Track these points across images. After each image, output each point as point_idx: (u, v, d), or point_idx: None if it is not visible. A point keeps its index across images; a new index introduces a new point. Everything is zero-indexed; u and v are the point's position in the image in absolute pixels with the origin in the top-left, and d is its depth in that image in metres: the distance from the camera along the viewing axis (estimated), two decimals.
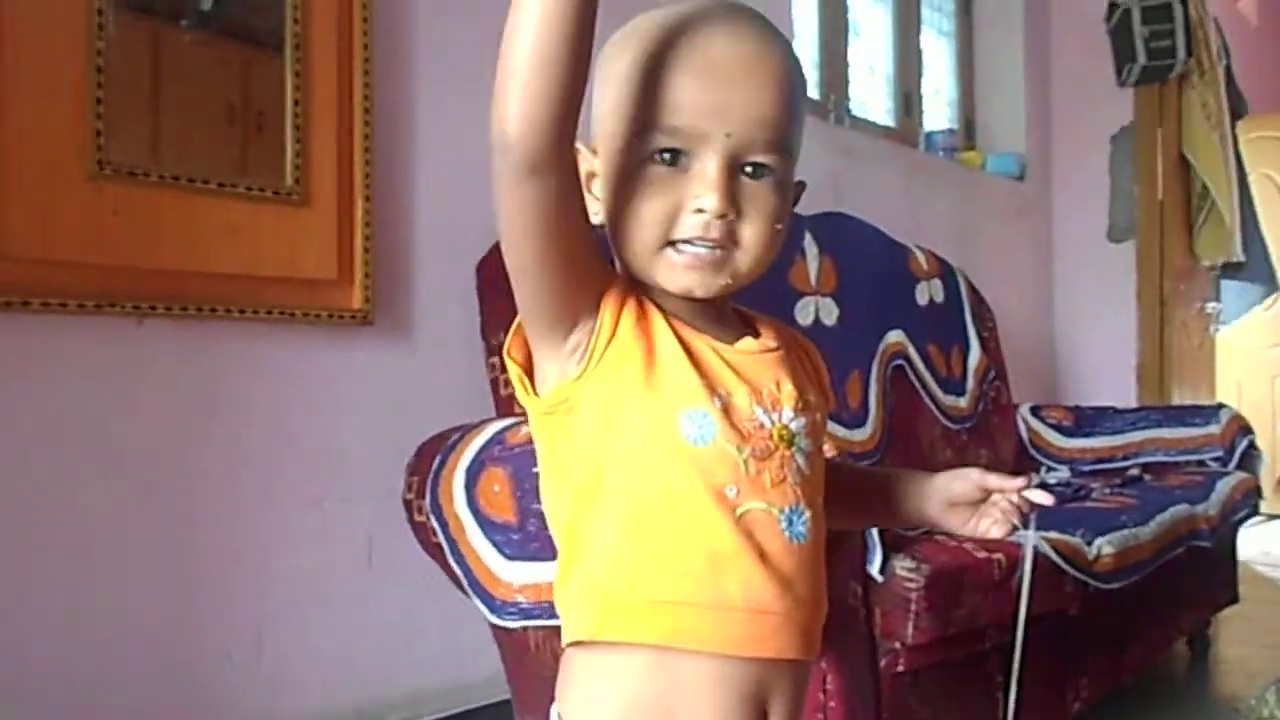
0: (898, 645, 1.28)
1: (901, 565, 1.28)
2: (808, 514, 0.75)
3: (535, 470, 1.37)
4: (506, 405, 1.75)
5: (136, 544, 1.41)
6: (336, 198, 1.58)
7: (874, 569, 1.27)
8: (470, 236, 1.77)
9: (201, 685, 1.47)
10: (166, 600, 1.44)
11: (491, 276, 1.82)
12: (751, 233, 0.73)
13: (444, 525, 1.52)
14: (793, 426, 0.75)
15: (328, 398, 1.62)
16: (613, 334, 0.71)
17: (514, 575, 1.42)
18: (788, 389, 0.77)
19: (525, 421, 1.52)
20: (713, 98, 0.70)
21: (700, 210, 0.71)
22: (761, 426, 0.73)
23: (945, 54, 3.60)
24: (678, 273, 0.72)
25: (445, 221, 1.78)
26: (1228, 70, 3.89)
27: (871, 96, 3.23)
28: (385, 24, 1.67)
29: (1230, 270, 3.91)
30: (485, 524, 1.46)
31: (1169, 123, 3.63)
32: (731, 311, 0.81)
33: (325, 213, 1.56)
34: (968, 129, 3.62)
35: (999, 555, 1.44)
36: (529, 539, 1.40)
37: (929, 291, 2.64)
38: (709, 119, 0.70)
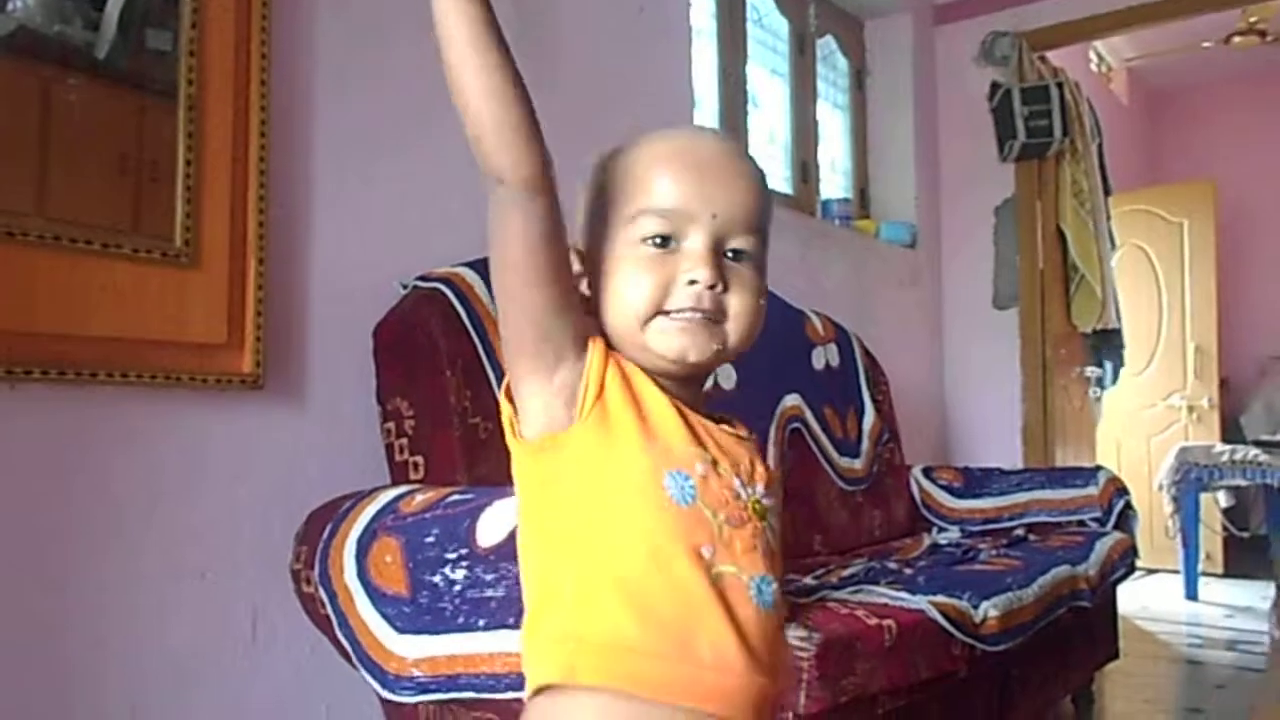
0: (789, 716, 1.29)
1: (794, 634, 1.29)
2: (774, 585, 0.81)
3: (429, 540, 1.37)
4: (400, 472, 1.72)
5: (1, 619, 1.33)
6: (228, 259, 1.54)
7: None
8: (366, 300, 1.76)
9: None
10: (34, 681, 1.35)
11: (388, 340, 1.81)
12: (738, 304, 0.81)
13: (333, 597, 1.47)
14: (765, 502, 0.82)
15: (214, 464, 1.57)
16: (600, 389, 0.77)
17: (407, 649, 1.38)
18: (760, 469, 0.83)
19: (419, 490, 1.50)
20: (701, 186, 0.81)
21: (693, 282, 0.79)
22: (738, 497, 0.79)
23: (840, 126, 3.74)
24: (671, 336, 0.80)
25: (341, 284, 1.76)
26: (1099, 149, 4.13)
27: (770, 165, 3.33)
28: (283, 81, 1.66)
29: (1101, 339, 4.12)
30: (376, 596, 1.42)
31: (1047, 197, 3.82)
32: (703, 397, 0.87)
33: (216, 274, 1.53)
34: (862, 198, 3.75)
35: (889, 622, 1.46)
36: (421, 611, 1.37)
37: (825, 356, 2.71)
38: (697, 202, 0.80)
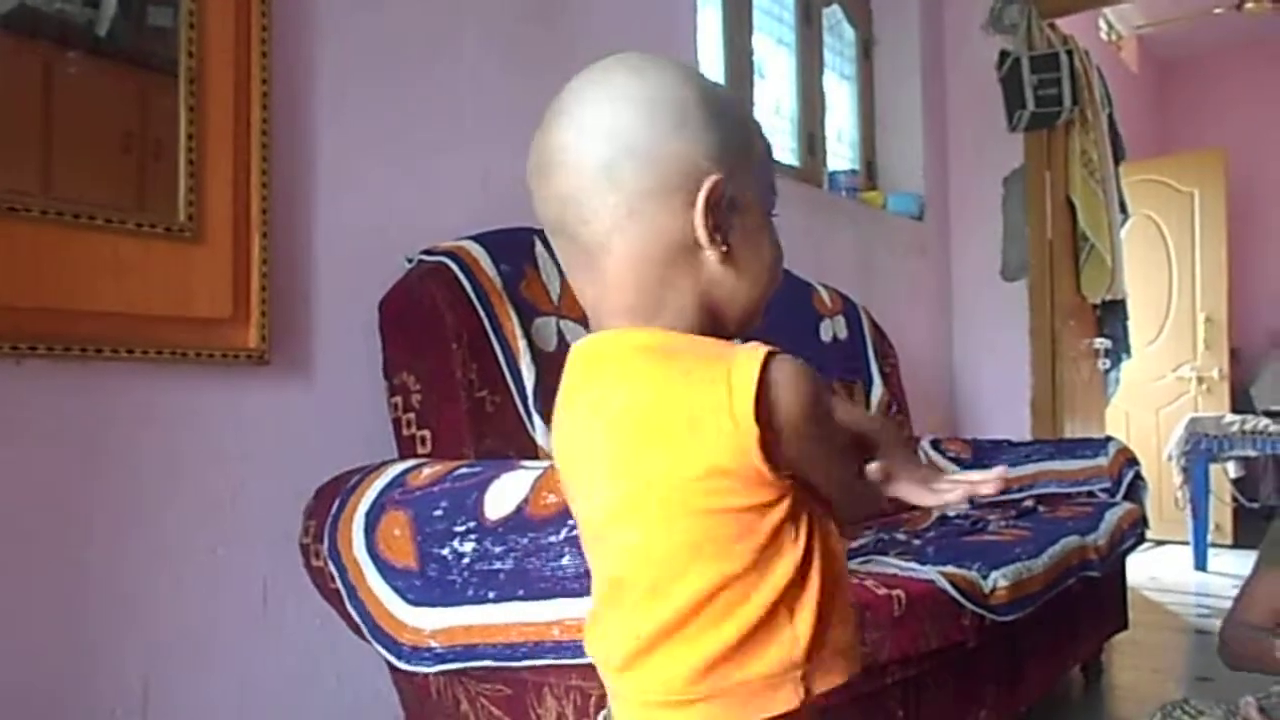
0: None
1: None
2: None
3: (437, 513, 1.37)
4: (408, 446, 1.72)
5: (10, 599, 1.33)
6: (232, 234, 1.54)
7: None
8: (372, 273, 1.75)
9: None
10: (46, 659, 1.36)
11: (394, 314, 1.80)
12: None
13: (342, 570, 1.48)
14: None
15: (222, 440, 1.57)
16: None
17: (422, 621, 1.39)
18: None
19: (427, 464, 1.50)
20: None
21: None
22: None
23: (847, 97, 3.70)
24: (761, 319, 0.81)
25: (346, 258, 1.75)
26: (1110, 118, 4.09)
27: (777, 137, 3.30)
28: (285, 54, 1.64)
29: (1109, 310, 4.10)
30: (385, 569, 1.42)
31: (1056, 166, 3.79)
32: None
33: (220, 249, 1.52)
34: (869, 170, 3.73)
35: (899, 592, 1.46)
36: (431, 584, 1.37)
37: (833, 328, 2.70)
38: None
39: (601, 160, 0.74)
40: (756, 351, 0.69)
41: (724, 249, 0.75)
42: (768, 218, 0.80)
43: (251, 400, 1.60)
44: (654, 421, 0.71)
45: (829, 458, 0.73)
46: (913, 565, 1.58)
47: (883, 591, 1.43)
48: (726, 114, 0.77)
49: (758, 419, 0.67)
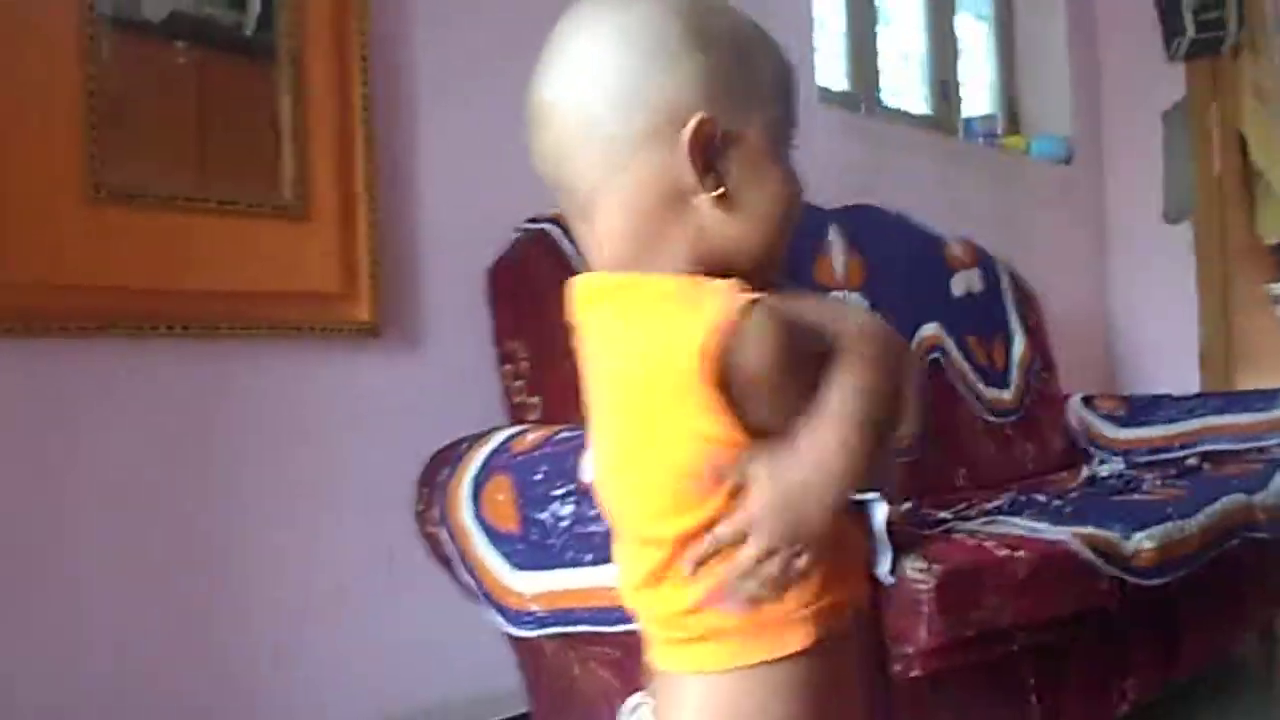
0: (910, 650, 1.23)
1: (911, 566, 1.23)
2: None
3: (537, 477, 1.38)
4: (519, 413, 1.73)
5: (141, 570, 1.42)
6: (339, 209, 1.58)
7: (882, 571, 1.22)
8: (479, 242, 1.77)
9: (217, 709, 1.47)
10: (175, 627, 1.44)
11: (502, 283, 1.81)
12: None
13: (452, 536, 1.50)
14: None
15: (338, 409, 1.62)
16: None
17: (525, 585, 1.40)
18: None
19: (531, 429, 1.51)
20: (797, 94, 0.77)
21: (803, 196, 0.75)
22: None
23: (984, 37, 3.50)
24: (782, 263, 0.75)
25: (452, 228, 1.77)
26: None
27: (905, 85, 3.16)
28: (383, 31, 1.67)
29: None
30: (491, 534, 1.44)
31: (1224, 97, 3.48)
32: None
33: (326, 224, 1.56)
34: (1010, 114, 3.52)
35: (1023, 553, 1.37)
36: (533, 548, 1.38)
37: (966, 282, 2.56)
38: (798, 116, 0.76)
39: (583, 113, 0.71)
40: (722, 307, 0.64)
41: (719, 191, 0.70)
42: (779, 150, 0.73)
43: (364, 371, 1.64)
44: (632, 383, 0.69)
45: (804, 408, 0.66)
46: (1042, 525, 1.48)
47: (1004, 553, 1.35)
48: (720, 40, 0.71)
49: (718, 383, 0.64)
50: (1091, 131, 3.58)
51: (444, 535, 1.52)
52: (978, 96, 3.44)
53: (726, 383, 0.64)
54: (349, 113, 1.59)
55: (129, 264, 1.38)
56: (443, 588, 1.68)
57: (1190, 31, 3.34)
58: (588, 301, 0.74)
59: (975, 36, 3.46)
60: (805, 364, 0.67)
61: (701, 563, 0.67)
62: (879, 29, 2.96)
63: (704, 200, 0.70)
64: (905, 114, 3.07)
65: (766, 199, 0.72)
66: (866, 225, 2.30)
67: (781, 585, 0.67)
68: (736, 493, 0.67)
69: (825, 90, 2.66)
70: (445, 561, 1.53)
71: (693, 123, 0.69)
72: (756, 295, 0.65)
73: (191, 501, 1.46)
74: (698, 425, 0.65)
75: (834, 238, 2.22)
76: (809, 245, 2.16)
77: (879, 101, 2.94)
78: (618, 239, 0.72)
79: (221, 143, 1.49)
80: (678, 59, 0.70)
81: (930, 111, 3.19)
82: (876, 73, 2.94)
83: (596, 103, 0.70)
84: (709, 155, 0.70)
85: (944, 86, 3.25)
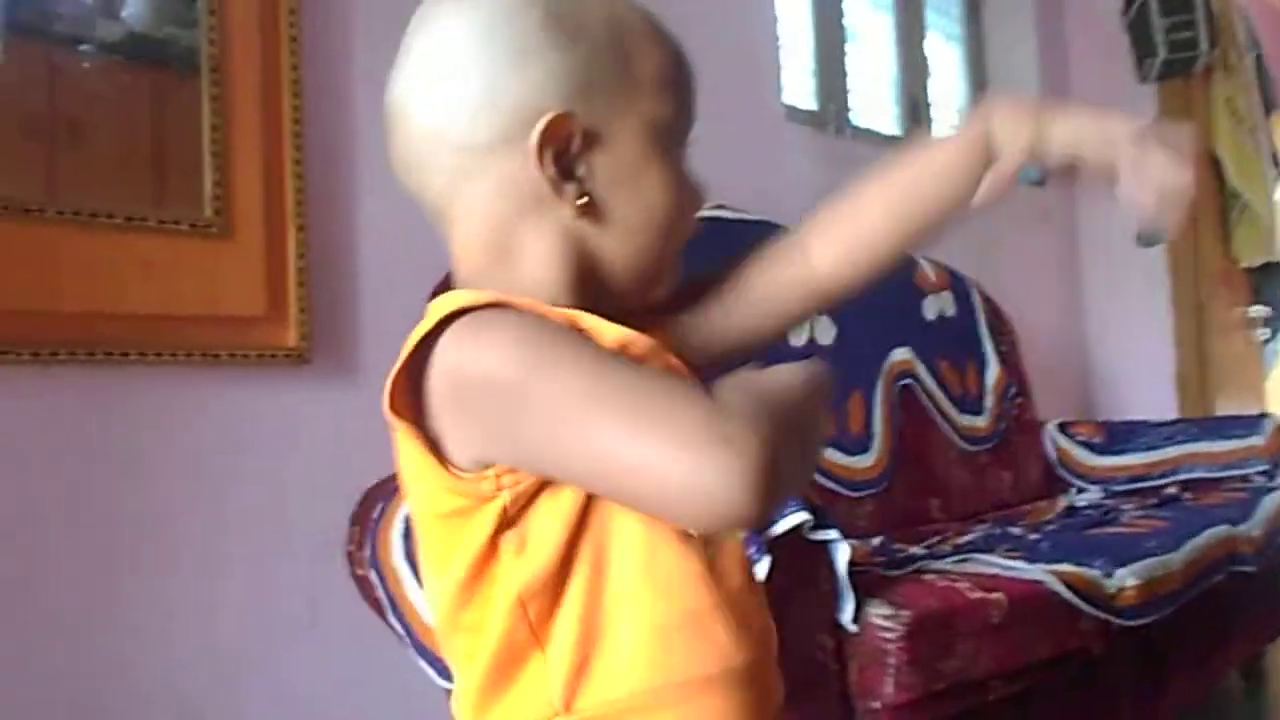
0: (876, 705, 1.12)
1: (877, 613, 1.12)
2: (752, 546, 0.71)
3: None
4: None
5: (29, 622, 1.29)
6: (264, 228, 1.47)
7: (845, 618, 1.12)
8: (420, 265, 1.64)
9: None
10: (75, 687, 1.31)
11: None
12: None
13: (383, 579, 1.39)
14: None
15: (262, 444, 1.50)
16: None
17: None
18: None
19: None
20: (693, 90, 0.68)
21: (701, 205, 0.68)
22: None
23: (954, 59, 3.44)
24: (673, 274, 0.67)
25: (392, 249, 1.66)
26: (1258, 61, 3.69)
27: (875, 105, 3.09)
28: (315, 40, 1.57)
29: (1265, 275, 3.70)
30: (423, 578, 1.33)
31: (1197, 118, 3.43)
32: None
33: (251, 244, 1.45)
34: None
35: (998, 595, 1.27)
36: None
37: (938, 305, 2.48)
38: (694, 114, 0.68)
39: (430, 118, 0.63)
40: (426, 322, 0.58)
41: (582, 200, 0.62)
42: (664, 152, 0.64)
43: (293, 401, 1.53)
44: None
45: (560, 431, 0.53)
46: (1017, 564, 1.38)
47: (977, 595, 1.25)
48: (589, 30, 0.62)
49: (406, 414, 0.58)
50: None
51: (374, 577, 1.40)
52: (948, 118, 3.38)
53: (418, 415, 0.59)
54: (278, 125, 1.49)
55: (28, 285, 1.27)
56: (369, 636, 1.56)
57: (1162, 53, 3.30)
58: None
59: (946, 58, 3.41)
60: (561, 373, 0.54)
61: None
62: (848, 48, 2.90)
63: (566, 211, 0.62)
64: (875, 134, 3.00)
65: (643, 208, 0.63)
66: None
67: None
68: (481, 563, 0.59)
69: (793, 109, 2.58)
70: (377, 606, 1.42)
71: (541, 124, 0.60)
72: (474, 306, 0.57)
73: (95, 541, 1.34)
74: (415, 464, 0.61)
75: None
76: None
77: (848, 121, 2.86)
78: (471, 252, 0.64)
79: (137, 158, 1.38)
80: (533, 54, 0.61)
81: (900, 132, 3.13)
82: (845, 92, 2.87)
83: (442, 107, 0.62)
84: (566, 160, 0.62)
85: (914, 107, 3.18)
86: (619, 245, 0.63)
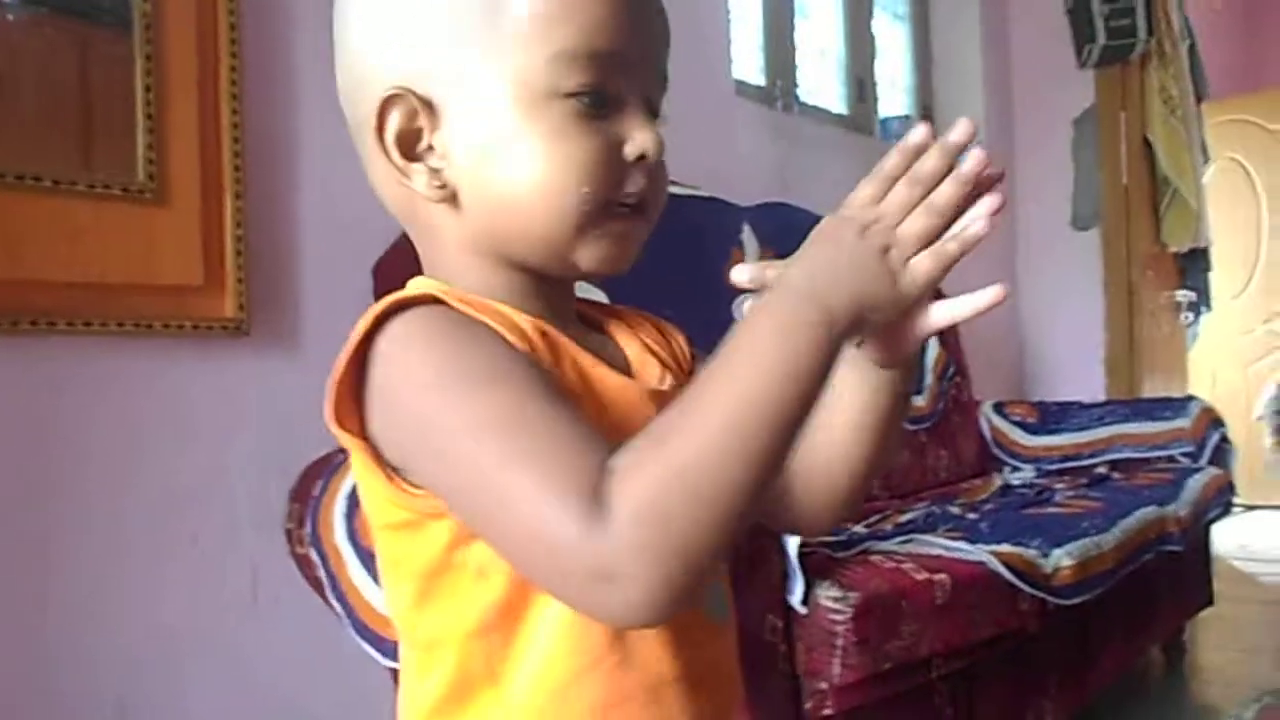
0: (824, 685, 1.13)
1: (826, 595, 1.13)
2: (723, 585, 0.59)
3: None
4: None
5: None
6: (200, 194, 1.41)
7: (795, 599, 1.12)
8: (364, 233, 1.61)
9: None
10: (16, 663, 1.26)
11: (390, 278, 1.66)
12: (664, 186, 0.58)
13: (324, 558, 1.35)
14: None
15: (200, 418, 1.45)
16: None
17: None
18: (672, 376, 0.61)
19: None
20: (639, 15, 0.55)
21: (642, 157, 0.55)
22: None
23: (901, 39, 3.46)
24: (614, 244, 0.56)
25: (335, 218, 1.62)
26: (1191, 50, 3.77)
27: (822, 83, 3.09)
28: None
29: (1190, 260, 3.80)
30: (366, 557, 1.30)
31: (1132, 105, 3.50)
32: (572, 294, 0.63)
33: (186, 211, 1.40)
34: (925, 115, 3.48)
35: (942, 576, 1.29)
36: None
37: None
38: (640, 43, 0.55)
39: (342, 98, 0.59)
40: (362, 323, 0.53)
41: (439, 186, 0.55)
42: (540, 109, 0.53)
43: (231, 373, 1.48)
44: None
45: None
46: (960, 545, 1.40)
47: (923, 576, 1.26)
48: None
49: (349, 420, 0.52)
50: (1004, 136, 3.57)
51: (314, 556, 1.37)
52: (894, 97, 3.39)
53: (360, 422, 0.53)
54: (214, 86, 1.43)
55: None
56: (312, 615, 1.53)
57: (1101, 39, 3.36)
58: None
59: (892, 37, 3.42)
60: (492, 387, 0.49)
61: None
62: (796, 24, 2.88)
63: (423, 199, 0.56)
64: (822, 111, 3.00)
65: (508, 184, 0.54)
66: (781, 223, 2.21)
67: None
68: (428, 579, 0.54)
69: (741, 83, 2.57)
70: (317, 585, 1.39)
71: (375, 104, 0.54)
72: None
73: (20, 523, 1.28)
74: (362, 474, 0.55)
75: (747, 235, 2.12)
76: (721, 242, 2.06)
77: (796, 98, 2.86)
78: (407, 230, 0.60)
79: (65, 118, 1.31)
80: (378, 17, 0.55)
81: (847, 110, 3.13)
82: (794, 68, 2.87)
83: (339, 83, 0.59)
84: (411, 143, 0.55)
85: (861, 86, 3.19)
86: (503, 224, 0.55)
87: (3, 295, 1.25)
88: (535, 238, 0.55)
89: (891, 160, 0.52)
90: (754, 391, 0.46)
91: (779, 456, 0.46)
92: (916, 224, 0.49)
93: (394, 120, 0.54)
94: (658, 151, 0.56)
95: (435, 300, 0.53)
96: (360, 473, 0.54)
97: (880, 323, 0.51)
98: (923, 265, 0.49)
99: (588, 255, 0.56)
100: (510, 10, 0.53)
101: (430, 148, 0.55)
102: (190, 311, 1.41)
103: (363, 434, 0.53)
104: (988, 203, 0.50)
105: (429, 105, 0.54)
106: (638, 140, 0.55)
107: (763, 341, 0.47)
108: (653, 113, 0.57)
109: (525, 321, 0.54)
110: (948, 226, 0.49)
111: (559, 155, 0.53)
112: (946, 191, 0.49)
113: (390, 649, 1.27)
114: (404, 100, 0.54)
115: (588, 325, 0.63)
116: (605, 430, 0.49)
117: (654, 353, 0.62)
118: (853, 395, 0.58)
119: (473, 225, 0.56)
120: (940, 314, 0.54)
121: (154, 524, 1.40)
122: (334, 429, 0.53)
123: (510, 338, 0.52)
